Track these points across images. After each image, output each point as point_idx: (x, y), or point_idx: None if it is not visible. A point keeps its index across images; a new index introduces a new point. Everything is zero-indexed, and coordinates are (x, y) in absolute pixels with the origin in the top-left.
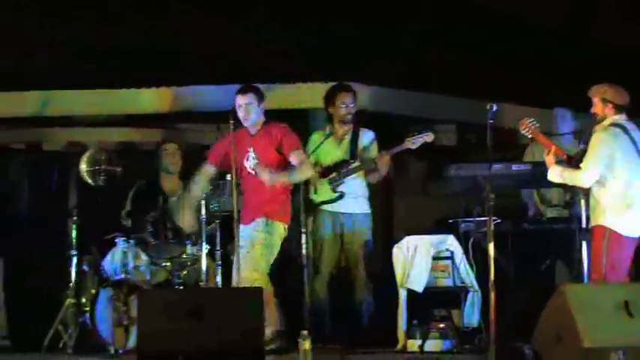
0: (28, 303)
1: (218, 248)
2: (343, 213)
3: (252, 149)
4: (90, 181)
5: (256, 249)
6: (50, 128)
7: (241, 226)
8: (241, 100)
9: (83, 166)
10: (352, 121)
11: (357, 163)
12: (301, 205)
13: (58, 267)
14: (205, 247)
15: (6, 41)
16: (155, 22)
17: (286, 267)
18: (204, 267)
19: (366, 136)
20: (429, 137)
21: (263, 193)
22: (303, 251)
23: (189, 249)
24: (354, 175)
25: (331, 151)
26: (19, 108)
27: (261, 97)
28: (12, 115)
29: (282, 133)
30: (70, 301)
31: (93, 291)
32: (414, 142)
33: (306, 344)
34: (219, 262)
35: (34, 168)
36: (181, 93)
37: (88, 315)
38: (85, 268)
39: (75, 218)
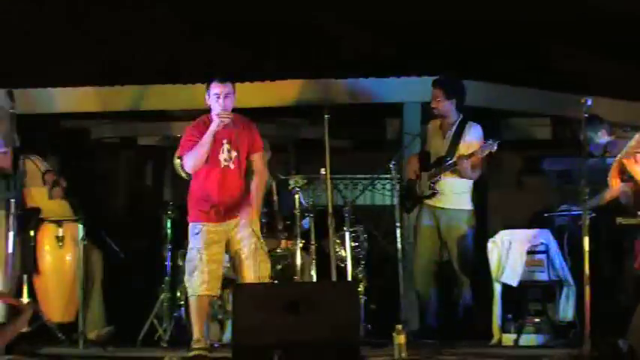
0: (124, 297)
1: (312, 242)
2: (441, 208)
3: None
4: (184, 175)
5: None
6: (145, 123)
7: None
8: (222, 89)
9: (177, 160)
10: (456, 116)
11: (452, 160)
12: (397, 199)
13: (153, 261)
14: (300, 242)
15: (103, 37)
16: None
17: (381, 261)
18: (298, 262)
19: (471, 132)
20: (493, 148)
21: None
22: (398, 245)
23: (284, 243)
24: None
25: (437, 144)
26: (114, 103)
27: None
28: (107, 110)
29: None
30: (165, 295)
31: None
32: (482, 150)
33: (401, 338)
34: (314, 257)
35: (129, 162)
36: (278, 87)
37: (182, 309)
38: (180, 262)
39: (169, 212)
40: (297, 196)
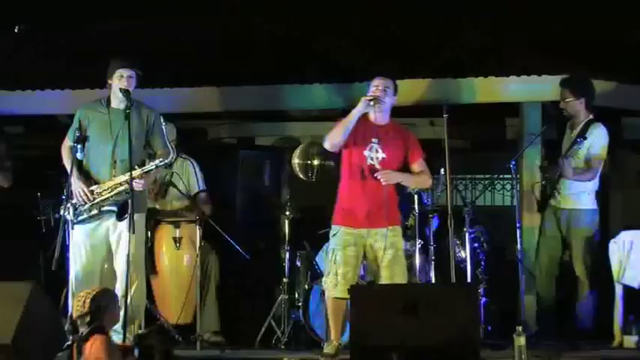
0: (241, 298)
1: (432, 243)
2: (562, 208)
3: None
4: (302, 175)
5: None
6: (263, 123)
7: None
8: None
9: (295, 161)
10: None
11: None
12: (519, 200)
13: (271, 262)
14: (419, 242)
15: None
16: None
17: (501, 262)
18: (417, 263)
19: (595, 132)
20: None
21: None
22: (519, 246)
23: (404, 245)
24: None
25: (565, 144)
26: (232, 102)
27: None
28: (225, 110)
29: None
30: (282, 296)
31: (306, 286)
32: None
33: (521, 340)
34: (433, 258)
35: (246, 163)
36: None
37: (301, 311)
38: (298, 263)
39: (288, 213)
40: (415, 196)
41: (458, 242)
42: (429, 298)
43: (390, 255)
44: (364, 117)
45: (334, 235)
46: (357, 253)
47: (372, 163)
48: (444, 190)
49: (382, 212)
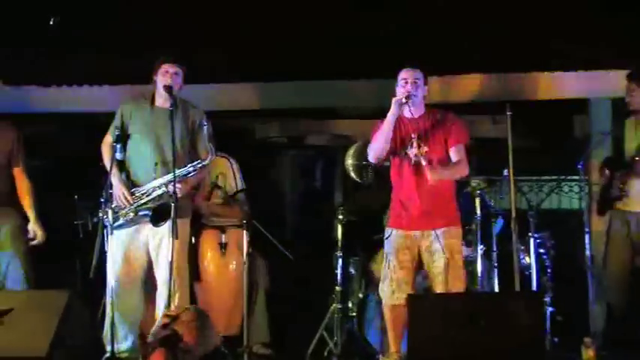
0: (291, 308)
1: (495, 249)
2: (631, 211)
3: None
4: (356, 176)
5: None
6: (314, 121)
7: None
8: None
9: (349, 161)
10: None
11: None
12: (587, 203)
13: (323, 269)
14: (481, 248)
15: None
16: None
17: (568, 269)
18: (479, 269)
19: None
20: None
21: None
22: (587, 252)
23: (465, 250)
24: None
25: (630, 143)
26: (281, 99)
27: None
28: (274, 107)
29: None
30: (335, 306)
31: (360, 295)
32: None
33: (590, 352)
34: (496, 264)
35: (297, 163)
36: (457, 82)
37: (355, 320)
38: (352, 270)
39: (341, 217)
40: (477, 199)
41: (522, 248)
42: (492, 307)
43: (446, 259)
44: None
45: (387, 238)
46: (412, 256)
47: (418, 160)
48: (508, 193)
49: (436, 212)
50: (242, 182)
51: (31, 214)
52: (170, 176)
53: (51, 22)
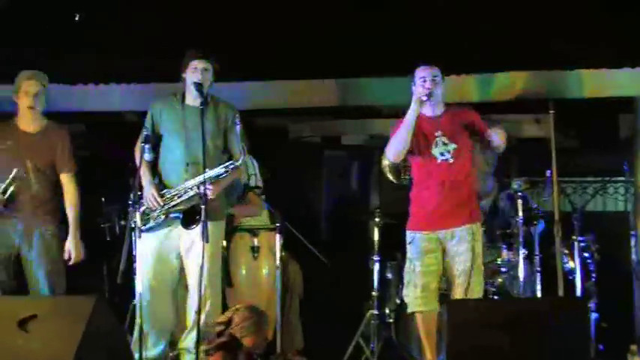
0: (326, 314)
1: (537, 252)
2: None
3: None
4: (393, 177)
5: None
6: (350, 120)
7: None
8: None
9: (386, 162)
10: None
11: None
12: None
13: (359, 274)
14: (523, 252)
15: (307, 30)
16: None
17: (614, 274)
18: (521, 274)
19: None
20: None
21: None
22: (633, 256)
23: (505, 254)
24: None
25: None
26: (315, 98)
27: None
28: (307, 105)
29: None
30: (372, 312)
31: (397, 301)
32: None
33: (636, 359)
34: (539, 269)
35: (332, 164)
36: (497, 79)
37: (392, 327)
38: (389, 275)
39: (377, 219)
40: (519, 202)
41: (566, 252)
42: (534, 314)
43: (468, 261)
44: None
45: (410, 243)
46: (438, 259)
47: (445, 158)
48: (551, 195)
49: (459, 210)
50: (258, 182)
51: (71, 229)
52: (202, 177)
53: (76, 19)
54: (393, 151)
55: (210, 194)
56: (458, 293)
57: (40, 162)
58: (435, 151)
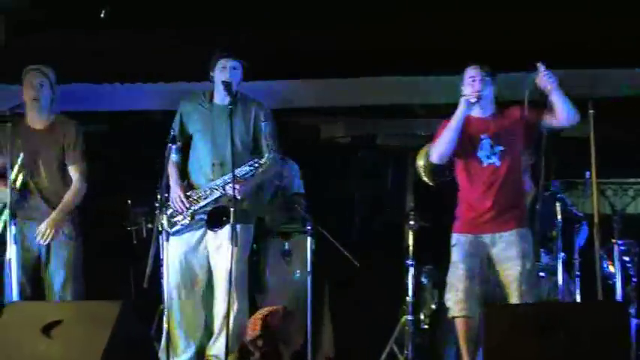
0: (357, 320)
1: (576, 256)
2: None
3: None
4: (429, 179)
5: None
6: (384, 119)
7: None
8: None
9: (421, 162)
10: None
11: None
12: None
13: (393, 278)
14: (562, 256)
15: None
16: None
17: None
18: (560, 279)
19: None
20: None
21: None
22: None
23: (544, 258)
24: None
25: None
26: (348, 96)
27: None
28: (341, 104)
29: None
30: (406, 318)
31: (433, 306)
32: None
33: None
34: (578, 273)
35: (365, 165)
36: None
37: (427, 334)
38: (424, 280)
39: (412, 223)
40: (557, 204)
41: (605, 255)
42: (573, 318)
43: (519, 266)
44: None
45: (454, 245)
46: (482, 264)
47: (491, 162)
48: (590, 197)
49: (508, 214)
50: (301, 187)
51: (56, 210)
52: (228, 177)
53: (102, 15)
54: (438, 152)
55: (237, 194)
56: (513, 300)
57: (50, 158)
58: (481, 154)
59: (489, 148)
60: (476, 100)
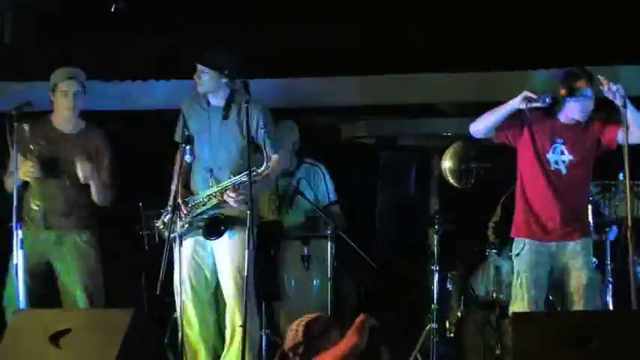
0: (382, 327)
1: (609, 261)
2: None
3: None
4: (454, 181)
5: None
6: (407, 119)
7: None
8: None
9: (446, 164)
10: None
11: None
12: None
13: (417, 285)
14: (594, 261)
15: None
16: None
17: None
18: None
19: None
20: None
21: None
22: None
23: None
24: None
25: None
26: (370, 95)
27: None
28: (360, 104)
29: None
30: (431, 325)
31: (459, 314)
32: None
33: None
34: (611, 279)
35: (388, 166)
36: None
37: (453, 342)
38: (450, 286)
39: (437, 226)
40: (589, 206)
41: (639, 261)
42: (606, 327)
43: (585, 277)
44: (550, 114)
45: (517, 254)
46: (548, 272)
47: (558, 167)
48: (624, 199)
49: (574, 222)
50: (334, 194)
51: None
52: (226, 183)
53: (112, 9)
54: (475, 127)
55: (231, 202)
56: (576, 308)
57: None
58: (551, 157)
59: (560, 155)
60: (533, 104)
